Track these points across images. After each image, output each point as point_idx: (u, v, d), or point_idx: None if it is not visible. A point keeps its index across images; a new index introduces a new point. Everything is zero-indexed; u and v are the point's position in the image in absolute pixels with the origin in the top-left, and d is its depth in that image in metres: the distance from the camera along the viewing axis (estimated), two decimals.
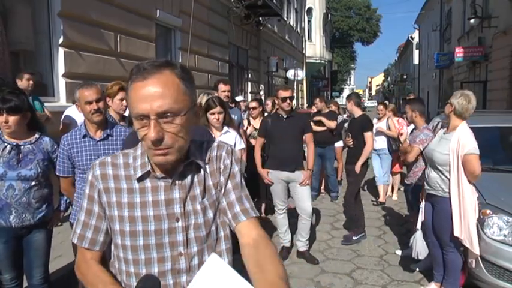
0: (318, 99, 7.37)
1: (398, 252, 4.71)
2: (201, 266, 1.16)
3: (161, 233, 1.21)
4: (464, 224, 3.25)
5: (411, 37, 36.87)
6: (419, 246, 3.72)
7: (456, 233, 3.27)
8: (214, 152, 1.30)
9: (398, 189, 7.51)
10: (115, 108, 3.50)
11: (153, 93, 1.09)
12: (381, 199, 7.05)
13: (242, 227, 1.27)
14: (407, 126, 6.99)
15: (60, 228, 4.17)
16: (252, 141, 5.37)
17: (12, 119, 2.61)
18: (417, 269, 4.16)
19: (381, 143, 6.97)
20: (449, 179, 3.35)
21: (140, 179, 1.22)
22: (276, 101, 4.69)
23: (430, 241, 3.66)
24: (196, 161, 1.25)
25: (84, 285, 1.25)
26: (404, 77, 42.11)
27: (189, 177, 1.24)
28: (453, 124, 3.42)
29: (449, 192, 3.34)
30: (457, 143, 3.28)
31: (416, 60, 34.52)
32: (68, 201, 3.02)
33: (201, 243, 1.24)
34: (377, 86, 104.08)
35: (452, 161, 3.29)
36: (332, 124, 6.99)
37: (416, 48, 34.01)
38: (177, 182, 1.22)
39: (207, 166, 1.28)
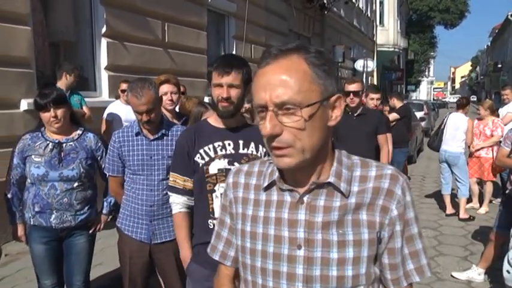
0: (394, 98, 7.65)
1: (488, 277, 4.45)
2: None
3: (279, 259, 1.13)
4: None
5: (511, 15, 34.68)
6: None
7: None
8: (383, 184, 1.12)
9: (490, 201, 7.08)
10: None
11: (273, 80, 1.03)
12: (447, 211, 6.85)
13: None
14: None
15: (102, 233, 4.29)
16: None
17: (59, 112, 2.72)
18: None
19: (460, 145, 6.71)
20: None
21: (267, 189, 1.18)
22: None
23: None
24: (338, 185, 1.11)
25: None
26: (499, 65, 39.92)
27: (323, 197, 1.12)
28: None
29: None
30: None
31: None
32: (111, 203, 3.06)
33: (326, 284, 1.10)
34: (462, 77, 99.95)
35: None
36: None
37: None
38: (304, 200, 1.12)
39: (365, 197, 1.12)
